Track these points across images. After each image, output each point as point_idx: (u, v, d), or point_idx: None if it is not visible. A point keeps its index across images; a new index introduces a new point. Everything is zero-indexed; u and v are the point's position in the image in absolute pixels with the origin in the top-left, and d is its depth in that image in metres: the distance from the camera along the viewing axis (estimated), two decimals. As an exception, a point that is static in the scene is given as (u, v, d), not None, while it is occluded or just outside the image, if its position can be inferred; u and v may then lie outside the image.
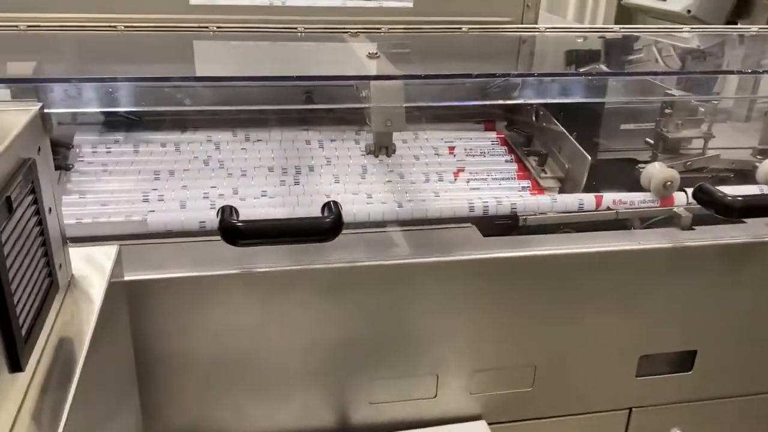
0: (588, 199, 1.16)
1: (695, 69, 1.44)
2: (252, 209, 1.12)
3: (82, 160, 1.23)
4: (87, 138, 1.27)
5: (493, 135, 1.45)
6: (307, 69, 1.07)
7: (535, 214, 1.14)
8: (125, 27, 1.16)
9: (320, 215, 0.94)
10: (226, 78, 1.04)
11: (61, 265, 0.71)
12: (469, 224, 1.14)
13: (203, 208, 1.14)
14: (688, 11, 1.82)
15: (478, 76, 0.96)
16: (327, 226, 0.91)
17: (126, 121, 1.30)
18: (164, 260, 0.96)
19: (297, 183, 1.23)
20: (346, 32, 1.23)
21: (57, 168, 1.13)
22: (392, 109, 0.94)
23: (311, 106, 1.15)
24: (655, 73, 1.25)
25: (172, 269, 0.92)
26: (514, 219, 1.15)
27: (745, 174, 1.29)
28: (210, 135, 1.33)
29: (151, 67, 1.12)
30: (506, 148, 1.40)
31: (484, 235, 1.11)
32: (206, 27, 1.20)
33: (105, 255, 0.80)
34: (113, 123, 1.31)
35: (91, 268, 0.78)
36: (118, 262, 0.81)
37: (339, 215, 0.92)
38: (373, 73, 0.96)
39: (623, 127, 1.48)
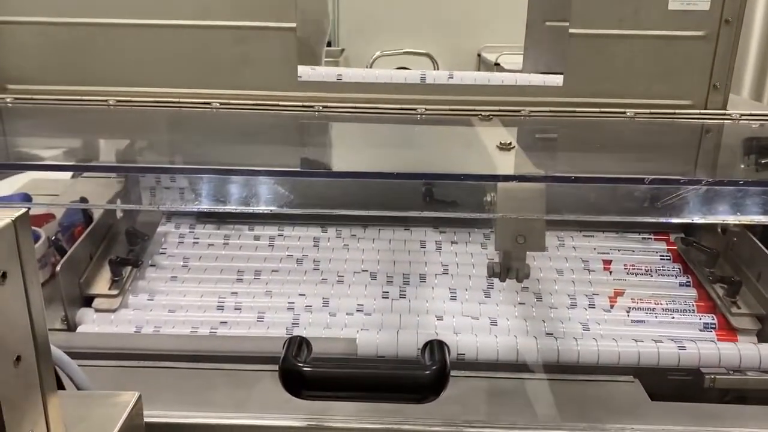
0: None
1: None
2: (333, 335, 0.90)
3: (163, 252, 1.08)
4: (172, 228, 1.13)
5: (662, 247, 1.13)
6: (414, 160, 0.84)
7: (730, 372, 0.81)
8: (220, 104, 1.02)
9: (418, 361, 0.68)
10: (327, 173, 0.84)
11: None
12: (630, 377, 0.82)
13: (283, 323, 0.93)
14: None
15: (653, 181, 0.68)
16: (424, 381, 0.65)
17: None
18: (209, 394, 0.75)
19: (403, 296, 0.99)
20: (477, 115, 1.00)
21: (125, 263, 0.97)
22: (526, 221, 0.68)
23: (395, 213, 0.91)
24: None
25: (209, 410, 0.70)
26: (696, 376, 0.82)
27: None
28: (310, 230, 1.13)
29: (244, 152, 0.95)
30: (680, 266, 1.07)
31: (652, 397, 0.79)
32: (311, 106, 1.03)
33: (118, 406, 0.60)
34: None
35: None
36: (136, 414, 0.60)
37: (443, 366, 0.66)
38: (500, 171, 0.71)
39: None
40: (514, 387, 0.80)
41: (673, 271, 1.06)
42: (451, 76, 1.08)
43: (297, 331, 0.91)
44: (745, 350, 0.82)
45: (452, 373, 0.77)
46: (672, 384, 0.82)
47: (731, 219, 0.94)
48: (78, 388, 0.63)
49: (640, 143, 0.97)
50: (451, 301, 0.98)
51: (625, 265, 1.08)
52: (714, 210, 0.78)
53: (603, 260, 1.08)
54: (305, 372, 0.65)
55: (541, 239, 0.70)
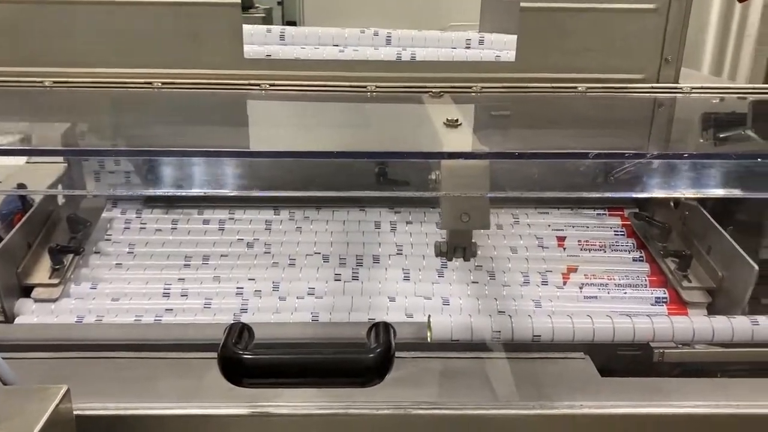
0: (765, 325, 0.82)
1: None
2: (283, 320, 0.88)
3: (108, 239, 1.04)
4: (118, 213, 1.09)
5: (617, 222, 1.13)
6: (360, 139, 0.82)
7: (678, 346, 0.81)
8: (162, 83, 0.98)
9: (363, 344, 0.67)
10: (272, 154, 0.81)
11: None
12: (581, 354, 0.82)
13: (231, 308, 0.90)
14: None
15: (598, 156, 0.67)
16: (368, 364, 0.63)
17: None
18: (151, 384, 0.73)
19: (356, 278, 0.98)
20: (428, 92, 0.98)
21: (66, 251, 0.94)
22: (470, 199, 0.67)
23: (327, 193, 0.89)
24: None
25: (150, 400, 0.68)
26: (645, 351, 0.82)
27: None
28: (261, 212, 1.11)
29: (190, 133, 0.91)
30: (634, 241, 1.08)
31: (602, 373, 0.79)
32: (257, 85, 1.00)
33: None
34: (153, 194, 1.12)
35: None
36: (63, 408, 0.58)
37: (388, 348, 0.64)
38: (444, 149, 0.69)
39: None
40: (465, 367, 0.79)
41: (627, 246, 1.06)
42: (399, 54, 1.06)
43: (245, 318, 0.89)
44: (698, 323, 0.82)
45: (403, 354, 0.76)
46: (622, 359, 0.82)
47: (675, 193, 0.94)
48: (4, 383, 0.60)
49: (590, 118, 0.96)
50: (404, 281, 0.97)
51: (579, 241, 1.07)
52: (659, 184, 0.77)
53: (557, 237, 1.08)
54: (245, 359, 0.63)
55: (485, 217, 0.69)
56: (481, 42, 1.22)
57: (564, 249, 1.06)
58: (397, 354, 0.65)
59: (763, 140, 0.87)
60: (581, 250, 1.06)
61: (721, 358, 0.82)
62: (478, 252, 0.77)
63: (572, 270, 1.01)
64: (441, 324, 0.84)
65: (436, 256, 0.75)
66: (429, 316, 0.86)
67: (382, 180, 0.80)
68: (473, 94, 1.00)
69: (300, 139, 0.91)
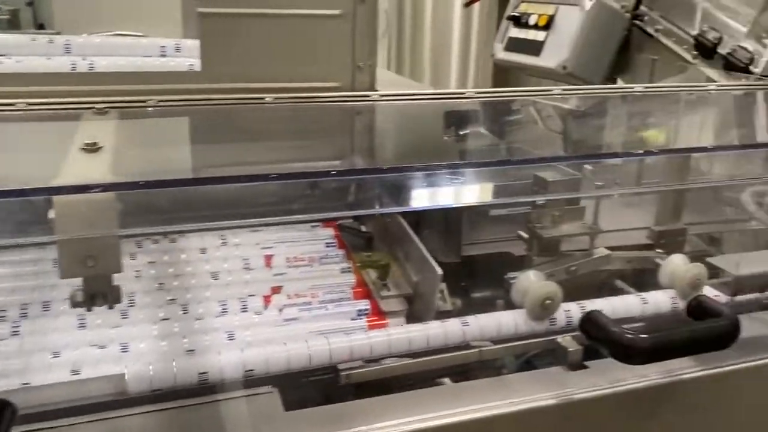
0: (434, 333, 0.82)
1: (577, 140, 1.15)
2: None
3: None
4: None
5: (329, 233, 1.10)
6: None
7: (364, 365, 0.78)
8: None
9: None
10: None
11: None
12: (269, 387, 0.76)
13: None
14: (564, 67, 1.58)
15: (240, 178, 0.61)
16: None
17: None
18: None
19: (16, 333, 0.82)
20: (90, 108, 0.86)
21: None
22: (92, 240, 0.57)
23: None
24: (535, 161, 0.93)
25: None
26: (334, 373, 0.78)
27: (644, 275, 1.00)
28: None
29: None
30: (344, 252, 1.05)
31: (292, 405, 0.73)
32: None
33: None
34: None
35: None
36: None
37: None
38: (62, 181, 0.58)
39: (494, 212, 1.17)
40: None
41: (336, 258, 1.04)
42: (75, 64, 0.92)
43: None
44: (375, 338, 0.80)
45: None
46: (312, 387, 0.78)
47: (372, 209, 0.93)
48: None
49: (276, 131, 0.91)
50: (80, 329, 0.84)
51: (288, 258, 1.02)
52: (350, 199, 0.75)
53: (265, 256, 1.02)
54: None
55: (115, 258, 0.59)
56: (177, 50, 1.13)
57: (271, 268, 1.00)
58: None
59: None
60: (288, 267, 1.01)
61: (412, 369, 0.81)
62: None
63: (276, 291, 0.95)
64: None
65: (72, 307, 0.64)
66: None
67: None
68: (148, 108, 0.90)
69: None
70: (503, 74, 2.28)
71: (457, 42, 3.01)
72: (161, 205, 0.66)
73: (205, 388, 0.75)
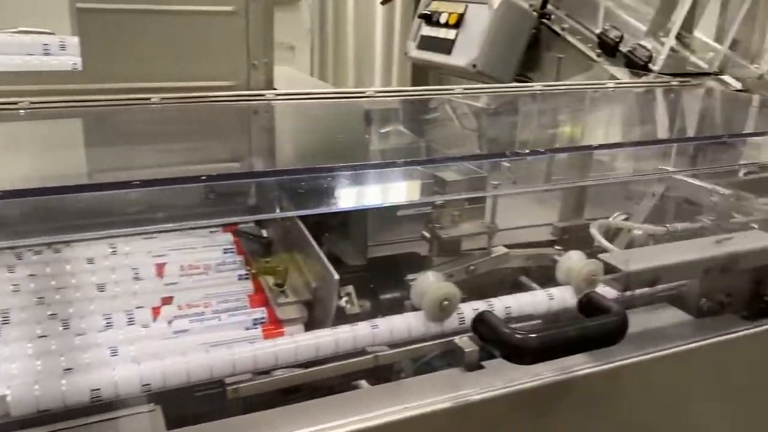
0: (326, 342, 0.79)
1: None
2: None
3: None
4: None
5: (228, 239, 1.06)
6: None
7: (251, 378, 0.75)
8: None
9: None
10: None
11: None
12: (152, 405, 0.72)
13: None
14: (474, 66, 1.58)
15: (93, 188, 0.56)
16: None
17: None
18: None
19: None
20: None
21: None
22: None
23: None
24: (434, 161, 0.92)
25: None
26: (221, 388, 0.75)
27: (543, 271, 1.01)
28: None
29: None
30: (243, 258, 1.01)
31: (177, 423, 0.70)
32: None
33: None
34: None
35: None
36: None
37: None
38: None
39: (401, 213, 1.16)
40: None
41: (235, 265, 1.00)
42: None
43: None
44: (259, 349, 0.77)
45: None
46: (198, 402, 0.74)
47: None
48: None
49: (158, 133, 0.87)
50: (-57, 350, 0.77)
51: (182, 266, 0.98)
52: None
53: (156, 264, 0.97)
54: None
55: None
56: (62, 48, 1.06)
57: (162, 277, 0.95)
58: None
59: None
60: (182, 275, 0.96)
61: (304, 379, 0.78)
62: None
63: (166, 302, 0.90)
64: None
65: None
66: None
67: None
68: (20, 111, 0.84)
69: None
70: (422, 73, 2.28)
71: (380, 41, 3.00)
72: (37, 215, 0.62)
73: (86, 409, 0.71)
